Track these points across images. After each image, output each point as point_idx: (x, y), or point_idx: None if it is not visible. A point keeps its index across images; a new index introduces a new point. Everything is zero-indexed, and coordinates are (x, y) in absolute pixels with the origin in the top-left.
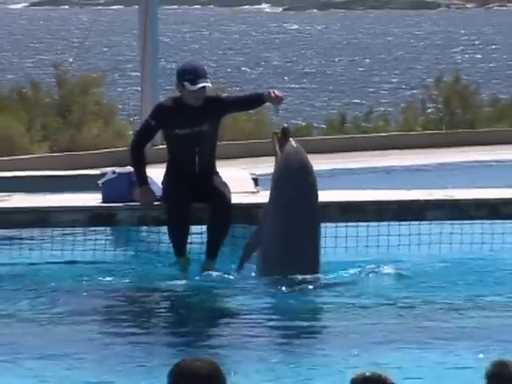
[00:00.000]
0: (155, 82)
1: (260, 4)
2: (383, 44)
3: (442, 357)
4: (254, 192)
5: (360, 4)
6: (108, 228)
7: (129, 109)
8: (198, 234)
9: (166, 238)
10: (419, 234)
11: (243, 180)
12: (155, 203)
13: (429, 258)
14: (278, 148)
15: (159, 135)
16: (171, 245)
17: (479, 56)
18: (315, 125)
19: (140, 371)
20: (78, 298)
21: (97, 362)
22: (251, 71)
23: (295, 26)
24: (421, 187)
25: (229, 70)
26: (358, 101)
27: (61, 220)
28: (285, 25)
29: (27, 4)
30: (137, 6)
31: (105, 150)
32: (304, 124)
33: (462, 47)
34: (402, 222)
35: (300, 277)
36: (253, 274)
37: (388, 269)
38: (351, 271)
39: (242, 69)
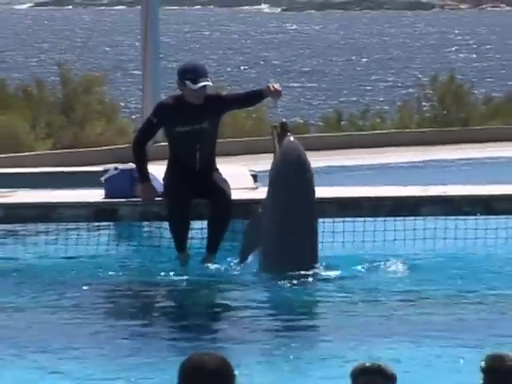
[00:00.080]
0: (156, 81)
1: (259, 4)
2: (379, 44)
3: (437, 350)
4: (253, 188)
5: (356, 5)
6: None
7: (131, 107)
8: (198, 230)
9: (167, 232)
10: (414, 230)
11: (243, 176)
12: (156, 199)
13: (424, 252)
14: (276, 142)
15: (160, 133)
16: (172, 240)
17: (473, 55)
18: (312, 122)
19: (141, 365)
20: (79, 292)
21: (100, 355)
22: (250, 70)
23: (294, 26)
24: (416, 183)
25: (228, 69)
26: (355, 99)
27: (64, 215)
28: (284, 25)
29: (32, 4)
30: (139, 7)
31: (105, 148)
32: (301, 121)
33: (456, 47)
34: (397, 218)
35: (298, 271)
36: (254, 270)
37: (385, 263)
38: (349, 266)
39: (242, 68)
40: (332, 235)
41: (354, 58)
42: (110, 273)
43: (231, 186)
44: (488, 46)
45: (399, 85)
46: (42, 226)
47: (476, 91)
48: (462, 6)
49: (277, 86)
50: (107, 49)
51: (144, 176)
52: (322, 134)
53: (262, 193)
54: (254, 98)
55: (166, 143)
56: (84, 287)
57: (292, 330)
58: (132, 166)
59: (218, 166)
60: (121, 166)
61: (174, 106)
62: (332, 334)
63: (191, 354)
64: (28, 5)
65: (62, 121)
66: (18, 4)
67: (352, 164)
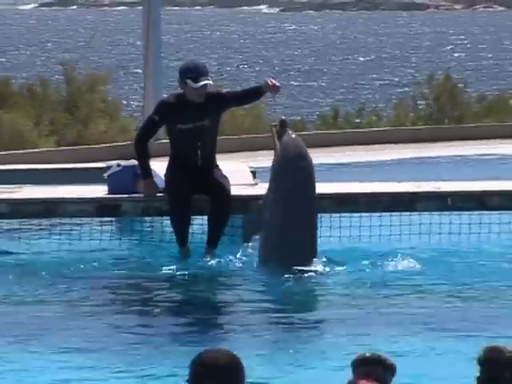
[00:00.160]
0: (158, 80)
1: (259, 5)
2: (376, 43)
3: (435, 343)
4: (252, 184)
5: (353, 5)
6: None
7: (133, 105)
8: (199, 225)
9: (168, 227)
10: (410, 225)
11: (242, 173)
12: (158, 195)
13: (420, 246)
14: (276, 139)
15: (162, 130)
16: (174, 234)
17: (468, 55)
18: (311, 120)
19: (140, 358)
20: (81, 286)
21: (99, 348)
22: (250, 69)
23: (293, 27)
24: (411, 180)
25: (228, 68)
26: (351, 97)
27: (69, 210)
28: (283, 25)
29: (36, 5)
30: (140, 7)
31: (105, 145)
32: (299, 119)
33: (450, 46)
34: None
35: (298, 266)
36: (254, 264)
37: (382, 257)
38: (348, 260)
39: (241, 66)
40: (329, 230)
41: (350, 57)
42: (111, 266)
43: (231, 182)
44: (481, 46)
45: (395, 83)
46: (46, 221)
47: (469, 89)
48: (456, 7)
49: (275, 81)
50: (110, 48)
51: (146, 172)
52: (319, 132)
53: (261, 189)
54: (253, 94)
55: (168, 140)
56: (85, 281)
57: (292, 324)
58: (134, 162)
59: (218, 163)
60: (123, 163)
61: (175, 104)
62: (331, 327)
63: (202, 351)
64: (32, 5)
65: (67, 118)
66: (23, 4)
67: (349, 161)
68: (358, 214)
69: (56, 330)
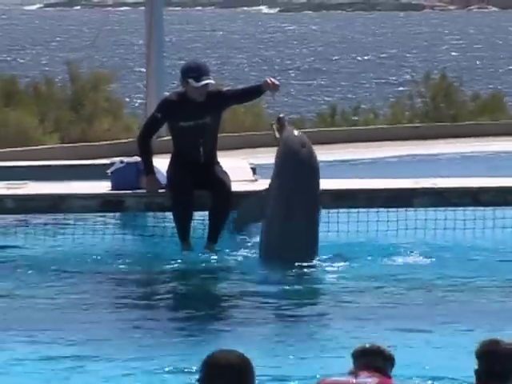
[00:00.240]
0: (160, 79)
1: (258, 5)
2: (373, 43)
3: (435, 336)
4: (252, 180)
5: (349, 6)
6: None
7: (135, 103)
8: (200, 220)
9: (171, 223)
10: (406, 220)
11: (242, 169)
12: (160, 191)
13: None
14: (277, 135)
15: (164, 128)
16: (176, 229)
17: (462, 55)
18: (310, 117)
19: (140, 350)
20: (84, 282)
21: (102, 340)
22: (250, 69)
23: (293, 27)
24: (408, 176)
25: (229, 67)
26: (350, 95)
27: (73, 206)
28: (282, 25)
29: (41, 5)
30: (142, 8)
31: (105, 142)
32: (298, 117)
33: (446, 46)
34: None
35: (299, 260)
36: (255, 258)
37: (379, 252)
38: (348, 255)
39: (241, 66)
40: (328, 225)
41: (348, 57)
42: (113, 261)
43: (231, 179)
44: (476, 46)
45: (391, 82)
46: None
47: (464, 88)
48: (451, 7)
49: (274, 80)
50: (114, 47)
51: (149, 169)
52: (320, 129)
53: (261, 185)
54: (253, 92)
55: (170, 138)
56: (88, 275)
57: (292, 317)
58: (137, 159)
59: (219, 160)
60: (126, 160)
61: (177, 102)
62: (331, 320)
63: (214, 352)
64: (38, 5)
65: (71, 117)
66: (28, 5)
67: (349, 158)
68: (356, 210)
69: (61, 323)
